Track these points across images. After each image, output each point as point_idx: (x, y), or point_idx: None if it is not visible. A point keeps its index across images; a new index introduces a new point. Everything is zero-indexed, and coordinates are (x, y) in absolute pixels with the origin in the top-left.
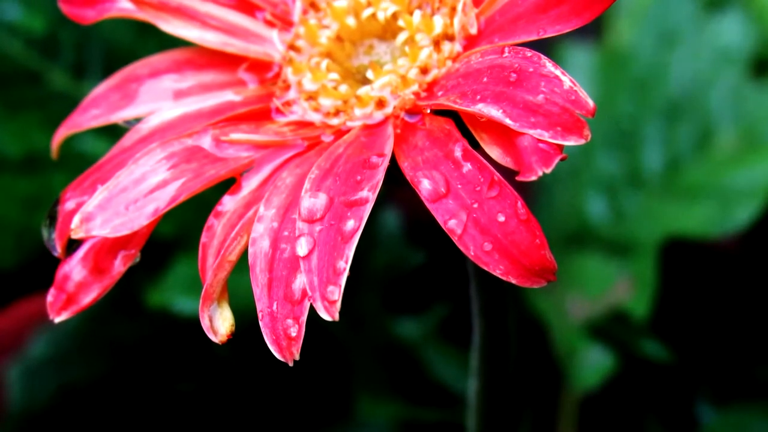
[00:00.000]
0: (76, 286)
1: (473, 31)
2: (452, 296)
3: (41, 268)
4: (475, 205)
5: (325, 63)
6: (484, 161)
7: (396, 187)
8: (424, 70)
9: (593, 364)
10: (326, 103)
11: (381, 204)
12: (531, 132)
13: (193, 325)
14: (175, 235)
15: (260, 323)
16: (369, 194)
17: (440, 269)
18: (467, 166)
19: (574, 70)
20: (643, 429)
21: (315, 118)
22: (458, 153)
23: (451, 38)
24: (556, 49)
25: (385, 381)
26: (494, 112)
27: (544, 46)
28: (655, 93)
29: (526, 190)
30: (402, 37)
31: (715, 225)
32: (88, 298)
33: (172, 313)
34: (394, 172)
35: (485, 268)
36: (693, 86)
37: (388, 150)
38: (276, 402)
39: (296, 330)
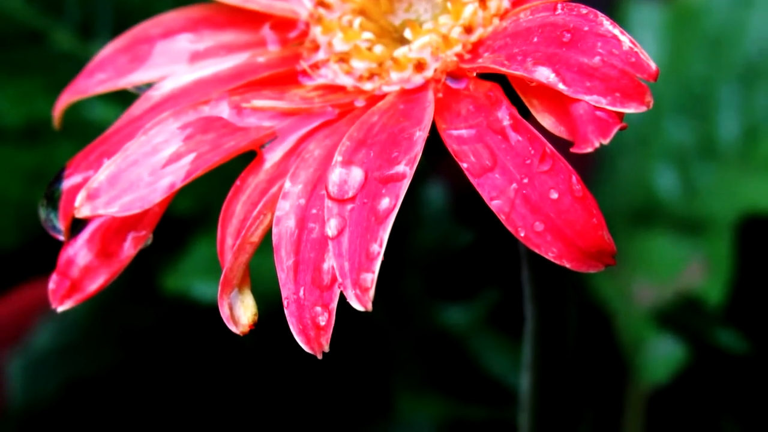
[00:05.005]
0: (81, 272)
1: None
2: (505, 280)
3: (45, 249)
4: (525, 181)
5: (358, 21)
6: (535, 131)
7: (437, 159)
8: (468, 29)
9: (662, 355)
10: (359, 65)
11: (425, 177)
12: (586, 98)
13: (214, 311)
14: (194, 212)
15: (285, 311)
16: (406, 169)
17: (491, 250)
18: (516, 137)
19: (640, 28)
20: (719, 427)
21: (346, 82)
22: (506, 122)
23: None
24: (619, 6)
25: (429, 375)
26: (546, 75)
27: (606, 3)
28: (731, 53)
29: (585, 163)
30: None
31: None
32: (94, 285)
33: (191, 298)
34: (435, 142)
35: (536, 251)
36: None
37: (428, 118)
38: (307, 398)
39: (325, 318)
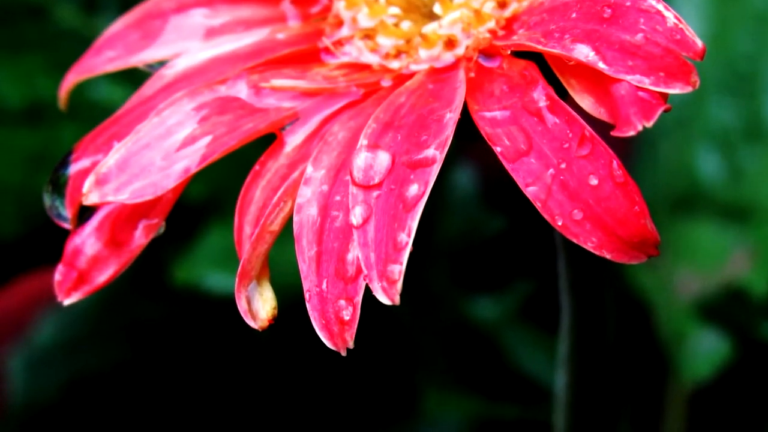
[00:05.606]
0: (89, 262)
1: None
2: (538, 270)
3: (48, 238)
4: (563, 166)
5: None
6: (574, 113)
7: (469, 142)
8: (502, 4)
9: (705, 350)
10: (386, 42)
11: (453, 160)
12: (628, 78)
13: (228, 304)
14: (207, 198)
15: (307, 305)
16: (436, 153)
17: (524, 238)
18: (553, 119)
19: (683, 3)
20: (764, 428)
21: (372, 60)
22: (542, 103)
23: None
24: None
25: (457, 372)
26: (585, 54)
27: None
28: None
29: (624, 146)
30: None
31: None
32: (103, 277)
33: (204, 290)
34: (466, 124)
35: (575, 241)
36: None
37: (459, 99)
38: (327, 397)
39: (350, 313)
